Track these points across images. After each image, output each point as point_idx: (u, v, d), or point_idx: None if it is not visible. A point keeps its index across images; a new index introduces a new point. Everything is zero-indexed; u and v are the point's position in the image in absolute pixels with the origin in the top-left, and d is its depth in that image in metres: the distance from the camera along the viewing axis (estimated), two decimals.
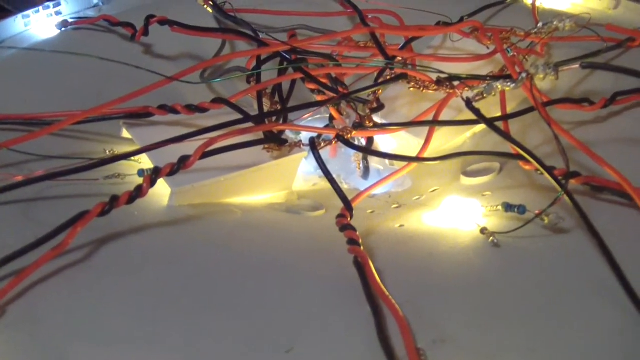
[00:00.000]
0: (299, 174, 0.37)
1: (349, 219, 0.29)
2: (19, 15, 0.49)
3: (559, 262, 0.27)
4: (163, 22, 0.43)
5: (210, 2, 0.47)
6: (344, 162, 0.37)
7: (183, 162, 0.30)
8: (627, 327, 0.24)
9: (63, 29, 0.48)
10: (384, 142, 0.39)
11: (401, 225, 0.32)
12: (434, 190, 0.35)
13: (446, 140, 0.38)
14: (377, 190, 0.35)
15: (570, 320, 0.25)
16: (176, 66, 0.43)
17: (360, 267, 0.26)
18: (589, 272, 0.26)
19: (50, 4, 0.51)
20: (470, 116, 0.33)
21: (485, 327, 0.24)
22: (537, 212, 0.28)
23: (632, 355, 0.23)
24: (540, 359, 0.23)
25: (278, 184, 0.35)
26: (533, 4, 0.47)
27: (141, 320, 0.25)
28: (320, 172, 0.36)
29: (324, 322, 0.25)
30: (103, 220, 0.28)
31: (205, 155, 0.30)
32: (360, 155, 0.37)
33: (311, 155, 0.34)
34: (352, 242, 0.27)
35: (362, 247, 0.27)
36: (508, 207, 0.29)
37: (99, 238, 0.28)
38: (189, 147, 0.31)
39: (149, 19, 0.43)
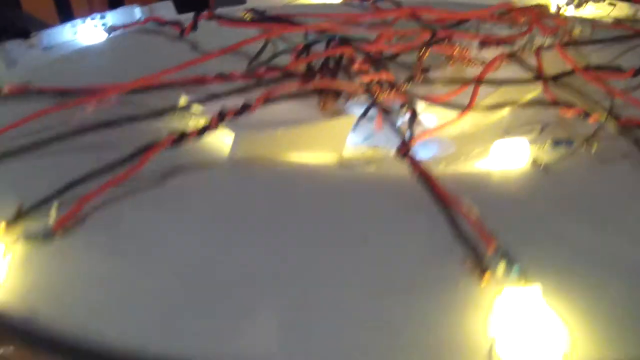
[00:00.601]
0: (347, 143, 0.38)
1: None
2: (68, 24, 0.52)
3: (605, 179, 0.29)
4: (211, 17, 0.45)
5: (252, 10, 0.49)
6: (389, 136, 0.39)
7: (246, 107, 0.32)
8: None
9: (111, 34, 0.50)
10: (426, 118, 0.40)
11: (454, 171, 0.33)
12: (478, 151, 0.36)
13: (485, 116, 0.39)
14: (422, 154, 0.37)
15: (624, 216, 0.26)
16: (222, 59, 0.45)
17: (426, 178, 0.27)
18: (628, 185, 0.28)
19: (97, 15, 0.53)
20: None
21: (539, 223, 0.26)
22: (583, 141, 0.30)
23: None
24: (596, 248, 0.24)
25: (331, 144, 0.36)
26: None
27: (208, 235, 0.26)
28: (369, 142, 0.38)
29: (393, 221, 0.26)
30: (168, 158, 0.29)
31: (266, 101, 0.32)
32: (407, 122, 0.38)
33: (361, 122, 0.36)
34: (414, 162, 0.28)
35: None
36: (556, 143, 0.31)
37: (164, 172, 0.30)
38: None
39: (197, 15, 0.46)
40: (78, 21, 0.52)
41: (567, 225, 0.26)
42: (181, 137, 0.30)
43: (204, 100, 0.34)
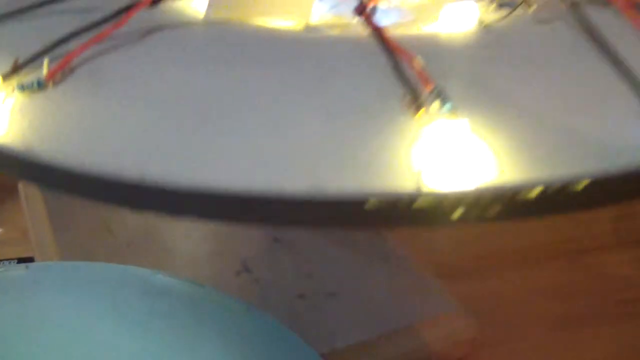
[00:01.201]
0: (314, 12, 0.41)
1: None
2: None
3: (540, 37, 0.32)
4: None
5: None
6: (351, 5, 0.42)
7: None
8: (596, 71, 0.29)
9: None
10: None
11: (407, 33, 0.36)
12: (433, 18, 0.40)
13: None
14: (381, 21, 0.40)
15: (554, 64, 0.30)
16: None
17: (378, 32, 0.30)
18: (566, 46, 0.31)
19: None
20: None
21: (480, 68, 0.29)
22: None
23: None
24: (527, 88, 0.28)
25: (298, 10, 0.40)
26: None
27: (189, 69, 0.30)
28: (335, 10, 0.41)
29: (346, 70, 0.30)
30: (148, 16, 0.33)
31: None
32: None
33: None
34: (369, 19, 0.32)
35: None
36: (501, 5, 0.34)
37: (146, 29, 0.33)
38: None
39: None
40: None
41: (497, 75, 0.29)
42: None
43: None
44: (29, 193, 0.65)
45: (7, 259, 0.65)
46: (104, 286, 0.43)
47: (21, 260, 0.68)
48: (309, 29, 0.39)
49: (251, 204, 0.23)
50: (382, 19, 0.39)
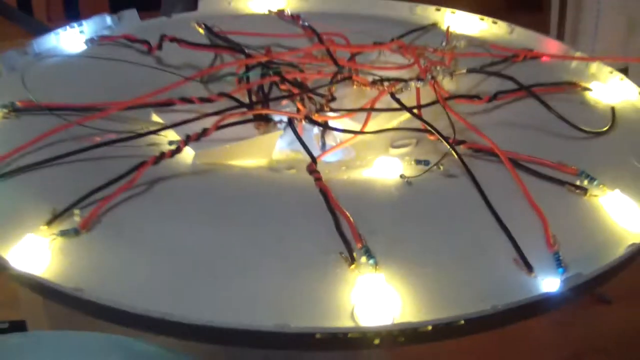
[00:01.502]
0: (276, 148, 0.52)
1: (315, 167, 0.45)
2: (52, 33, 0.64)
3: (445, 191, 0.44)
4: (173, 40, 0.59)
5: (203, 25, 0.63)
6: (307, 141, 0.53)
7: (205, 132, 0.45)
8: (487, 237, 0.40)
9: (90, 44, 0.63)
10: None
11: (348, 177, 0.47)
12: (370, 158, 0.51)
13: (379, 125, 0.53)
14: (331, 158, 0.51)
15: (453, 219, 0.41)
16: (182, 73, 0.58)
17: (324, 193, 0.41)
18: (463, 195, 0.43)
19: (75, 24, 0.66)
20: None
21: (399, 225, 0.40)
22: (434, 163, 0.44)
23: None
24: (432, 243, 0.39)
25: (264, 152, 0.50)
26: (446, 29, 0.64)
27: (180, 231, 0.40)
28: (291, 147, 0.52)
29: (300, 228, 0.40)
30: (153, 170, 0.43)
31: (218, 128, 0.46)
32: (319, 133, 0.53)
33: (285, 135, 0.51)
34: (318, 179, 0.43)
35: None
36: (418, 162, 0.45)
37: (152, 180, 0.43)
38: (204, 124, 0.46)
39: (162, 37, 0.59)
40: (60, 30, 0.64)
41: (411, 233, 0.40)
42: (160, 156, 0.43)
43: (172, 126, 0.48)
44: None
45: None
46: (94, 353, 0.45)
47: (13, 323, 0.75)
48: (272, 167, 0.50)
49: (231, 335, 0.34)
50: (333, 156, 0.50)
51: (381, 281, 0.36)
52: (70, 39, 0.63)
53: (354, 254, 0.37)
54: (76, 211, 0.40)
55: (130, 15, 0.67)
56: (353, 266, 0.37)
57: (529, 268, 0.38)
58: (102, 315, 0.36)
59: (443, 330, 0.34)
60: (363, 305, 0.35)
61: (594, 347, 0.68)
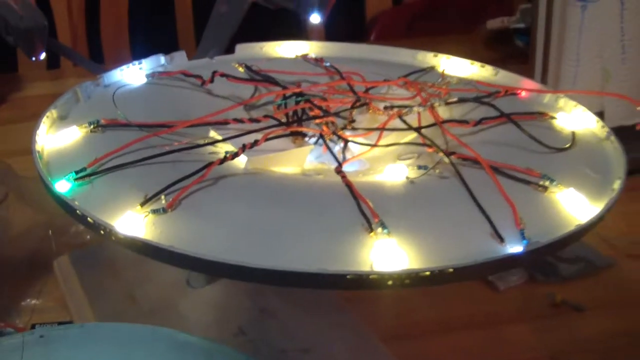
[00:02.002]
0: (307, 161, 0.66)
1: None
2: (118, 69, 0.78)
3: (440, 187, 0.57)
4: (223, 75, 0.73)
5: (244, 65, 0.77)
6: (331, 156, 0.67)
7: (255, 143, 0.59)
8: (471, 219, 0.54)
9: (151, 78, 0.77)
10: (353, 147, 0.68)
11: (365, 180, 0.61)
12: (382, 168, 0.64)
13: (389, 142, 0.67)
14: (350, 168, 0.64)
15: (445, 206, 0.55)
16: (230, 101, 0.73)
17: (349, 185, 0.55)
18: (453, 190, 0.56)
19: (136, 62, 0.79)
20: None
21: (405, 208, 0.54)
22: (432, 167, 0.58)
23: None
24: (430, 221, 0.53)
25: (298, 162, 0.64)
26: (442, 72, 0.78)
27: (241, 210, 0.54)
28: (319, 159, 0.66)
29: (331, 209, 0.54)
30: (217, 169, 0.57)
31: (265, 140, 0.60)
32: (341, 149, 0.66)
33: (314, 150, 0.65)
34: (344, 176, 0.56)
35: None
36: (419, 167, 0.59)
37: (217, 176, 0.57)
38: (254, 137, 0.61)
39: (214, 72, 0.73)
40: (123, 67, 0.78)
41: (417, 210, 0.54)
42: (224, 159, 0.57)
43: (230, 137, 0.62)
44: (63, 268, 0.79)
45: (48, 323, 0.77)
46: (142, 343, 0.51)
47: (61, 324, 0.78)
48: (304, 173, 0.64)
49: (283, 276, 0.47)
50: (350, 167, 0.64)
51: (393, 244, 0.49)
52: (132, 74, 0.77)
53: (372, 226, 0.51)
54: (162, 196, 0.54)
55: (180, 55, 0.81)
56: (372, 234, 0.50)
57: (501, 239, 0.51)
58: (184, 264, 0.49)
59: (437, 275, 0.47)
60: (380, 260, 0.48)
61: (568, 350, 0.76)
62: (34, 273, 0.82)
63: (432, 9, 1.82)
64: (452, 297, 0.81)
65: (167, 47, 1.68)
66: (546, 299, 0.80)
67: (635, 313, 0.83)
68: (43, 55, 0.85)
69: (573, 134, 0.66)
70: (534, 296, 0.82)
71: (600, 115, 0.99)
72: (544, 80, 1.08)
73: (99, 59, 1.73)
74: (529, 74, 1.10)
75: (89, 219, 0.52)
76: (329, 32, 1.63)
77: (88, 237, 0.89)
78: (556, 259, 0.87)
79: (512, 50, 1.50)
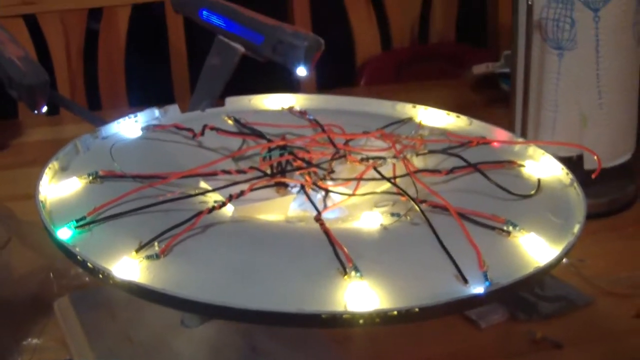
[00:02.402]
0: (290, 208, 0.71)
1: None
2: (115, 122, 0.83)
3: (411, 233, 0.62)
4: (213, 128, 0.78)
5: (233, 117, 0.83)
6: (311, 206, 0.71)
7: (242, 193, 0.65)
8: (439, 262, 0.59)
9: (146, 130, 0.82)
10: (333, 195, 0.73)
11: (342, 226, 0.66)
12: (359, 215, 0.69)
13: (366, 191, 0.72)
14: (330, 215, 0.69)
15: (414, 250, 0.60)
16: (219, 152, 0.78)
17: (327, 232, 0.60)
18: (423, 235, 0.61)
19: (132, 115, 0.85)
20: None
21: (378, 253, 0.59)
22: (403, 214, 0.63)
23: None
24: (399, 264, 0.58)
25: (282, 210, 0.69)
26: (419, 123, 0.84)
27: (228, 254, 0.59)
28: (301, 207, 0.71)
29: (310, 253, 0.59)
30: (206, 217, 0.62)
31: (251, 190, 0.65)
32: (322, 197, 0.71)
33: (296, 199, 0.70)
34: (322, 224, 0.61)
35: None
36: (392, 214, 0.64)
37: (206, 224, 0.62)
38: (240, 188, 0.66)
39: (205, 126, 0.78)
40: (120, 120, 0.83)
41: (389, 255, 0.59)
42: (212, 208, 0.62)
43: (218, 188, 0.67)
44: (63, 309, 0.81)
45: None
46: None
47: None
48: (287, 220, 0.69)
49: (264, 316, 0.52)
50: (331, 214, 0.69)
51: (365, 286, 0.54)
52: (128, 127, 0.82)
53: (347, 270, 0.55)
54: (156, 243, 0.58)
55: (174, 109, 0.86)
56: (346, 277, 0.55)
57: (465, 281, 0.56)
58: (175, 305, 0.54)
59: (404, 315, 0.52)
60: (353, 300, 0.53)
61: None
62: (35, 313, 0.84)
63: (420, 55, 1.88)
64: (435, 335, 0.85)
65: (162, 91, 1.75)
66: (527, 336, 0.83)
67: (612, 349, 0.86)
68: (45, 109, 0.90)
69: (539, 181, 0.70)
70: (515, 333, 0.85)
71: (580, 158, 1.04)
72: (524, 124, 1.11)
73: (97, 105, 1.78)
74: (510, 118, 1.13)
75: (88, 264, 0.56)
76: (320, 77, 1.69)
77: (87, 279, 0.92)
78: (537, 298, 0.91)
79: (498, 93, 1.55)
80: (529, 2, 1.05)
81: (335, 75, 1.58)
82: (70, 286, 0.92)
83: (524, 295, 0.90)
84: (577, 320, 0.88)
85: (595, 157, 0.70)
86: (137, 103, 1.83)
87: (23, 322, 0.84)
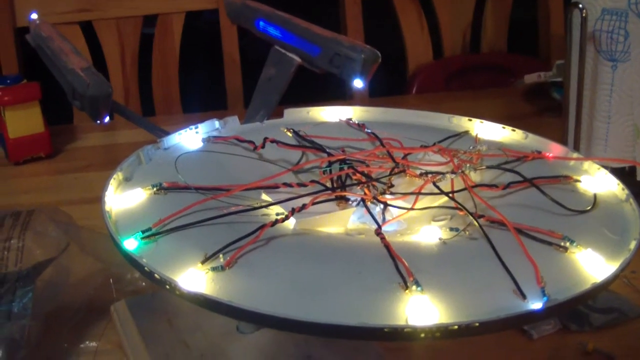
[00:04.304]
0: (350, 221, 0.73)
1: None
2: (176, 133, 0.85)
3: (469, 248, 0.63)
4: (273, 141, 0.80)
5: (292, 129, 0.84)
6: (371, 219, 0.73)
7: (304, 206, 0.66)
8: (497, 277, 0.60)
9: (207, 142, 0.84)
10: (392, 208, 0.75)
11: (402, 240, 0.67)
12: (417, 228, 0.71)
13: (424, 205, 0.74)
14: (389, 228, 0.71)
15: (474, 265, 0.61)
16: (279, 165, 0.80)
17: (387, 246, 0.61)
18: (481, 250, 0.62)
19: (192, 127, 0.87)
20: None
21: (437, 267, 0.60)
22: (462, 229, 0.64)
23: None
24: (459, 279, 0.59)
25: (342, 223, 0.70)
26: (475, 136, 0.85)
27: (291, 267, 0.61)
28: (360, 220, 0.72)
29: (371, 267, 0.60)
30: (269, 230, 0.64)
31: (313, 204, 0.67)
32: (381, 211, 0.73)
33: (356, 211, 0.72)
34: (383, 238, 0.63)
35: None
36: (451, 229, 0.65)
37: (269, 237, 0.64)
38: (302, 201, 0.67)
39: (265, 139, 0.80)
40: (181, 131, 0.85)
41: (448, 269, 0.60)
42: (275, 221, 0.64)
43: (281, 202, 0.69)
44: (120, 313, 0.84)
45: None
46: None
47: None
48: (347, 232, 0.70)
49: (327, 329, 0.54)
50: (390, 227, 0.70)
51: (426, 300, 0.55)
52: (189, 138, 0.84)
53: (408, 284, 0.57)
54: (221, 255, 0.60)
55: (233, 120, 0.88)
56: (407, 291, 0.56)
57: (523, 296, 0.57)
58: (241, 317, 0.56)
59: (464, 329, 0.53)
60: (414, 315, 0.55)
61: None
62: (92, 317, 0.87)
63: (471, 64, 1.89)
64: (488, 345, 0.86)
65: (215, 98, 1.77)
66: (578, 347, 0.83)
67: None
68: (107, 119, 0.93)
69: (595, 196, 0.71)
70: (567, 345, 0.85)
71: (632, 168, 1.04)
72: (576, 135, 1.12)
73: (150, 111, 1.81)
74: (563, 129, 1.14)
75: (156, 275, 0.58)
76: (372, 85, 1.70)
77: (143, 284, 0.95)
78: (589, 309, 0.92)
79: (549, 103, 1.56)
80: (583, 14, 1.05)
81: (387, 83, 1.60)
82: (126, 291, 0.95)
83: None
84: (629, 332, 0.88)
85: None
86: (191, 109, 1.86)
87: (81, 325, 0.86)
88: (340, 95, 1.72)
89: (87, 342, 0.84)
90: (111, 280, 0.95)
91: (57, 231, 0.94)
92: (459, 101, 1.62)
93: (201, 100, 1.89)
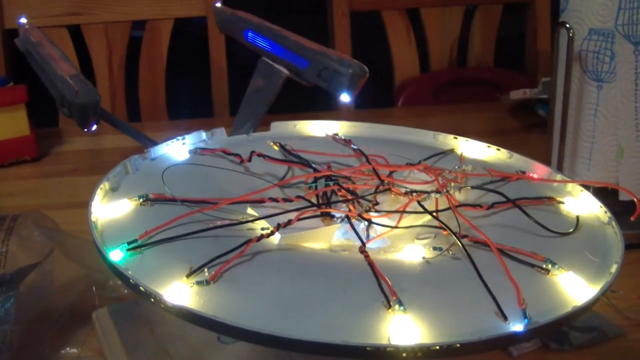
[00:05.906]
0: (334, 237, 0.73)
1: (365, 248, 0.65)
2: (163, 144, 0.85)
3: (452, 267, 0.64)
4: (260, 155, 0.80)
5: (278, 143, 0.85)
6: (355, 235, 0.73)
7: (289, 222, 0.67)
8: (479, 298, 0.60)
9: (193, 154, 0.84)
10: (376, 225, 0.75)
11: (385, 257, 0.68)
12: (401, 246, 0.71)
13: (408, 223, 0.74)
14: (373, 245, 0.71)
15: (456, 285, 0.61)
16: (264, 179, 0.80)
17: (371, 264, 0.62)
18: (464, 270, 0.63)
19: (179, 137, 0.87)
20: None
21: (420, 287, 0.61)
22: (446, 249, 0.65)
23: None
24: (441, 299, 0.59)
25: (327, 239, 0.71)
26: (460, 155, 0.85)
27: (275, 283, 0.61)
28: (345, 236, 0.73)
29: (355, 285, 0.61)
30: (255, 245, 0.64)
31: (299, 220, 0.67)
32: (365, 228, 0.73)
33: (340, 228, 0.72)
34: (367, 255, 0.63)
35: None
36: (434, 248, 0.66)
37: (255, 252, 0.64)
38: (287, 217, 0.68)
39: (252, 152, 0.81)
40: (168, 142, 0.86)
41: (431, 289, 0.61)
42: (261, 237, 0.64)
43: (266, 217, 0.69)
44: (102, 320, 0.82)
45: None
46: None
47: None
48: (331, 248, 0.71)
49: (309, 346, 0.54)
50: (374, 244, 0.71)
51: (408, 320, 0.56)
52: (176, 149, 0.85)
53: (391, 303, 0.57)
54: (206, 269, 0.61)
55: (220, 132, 0.89)
56: (390, 310, 0.57)
57: (505, 318, 0.57)
58: (224, 332, 0.56)
59: (446, 350, 0.53)
60: (396, 334, 0.55)
61: None
62: (74, 323, 0.86)
63: (457, 78, 1.90)
64: None
65: (201, 105, 1.77)
66: None
67: None
68: (94, 127, 0.93)
69: (577, 218, 0.72)
70: None
71: (616, 192, 1.05)
72: (560, 153, 1.12)
73: (136, 116, 1.81)
74: (547, 146, 1.14)
75: (141, 287, 0.58)
76: (359, 97, 1.71)
77: (125, 291, 0.95)
78: (569, 328, 0.92)
79: (534, 119, 1.57)
80: (570, 34, 1.06)
81: (373, 96, 1.60)
82: (110, 297, 0.94)
83: None
84: (608, 351, 0.87)
85: (635, 200, 0.71)
86: (177, 116, 1.86)
87: (63, 331, 0.85)
88: (326, 106, 1.73)
89: (69, 349, 0.84)
90: (94, 288, 0.95)
91: (42, 236, 0.94)
92: (444, 115, 1.63)
93: (187, 107, 1.89)
